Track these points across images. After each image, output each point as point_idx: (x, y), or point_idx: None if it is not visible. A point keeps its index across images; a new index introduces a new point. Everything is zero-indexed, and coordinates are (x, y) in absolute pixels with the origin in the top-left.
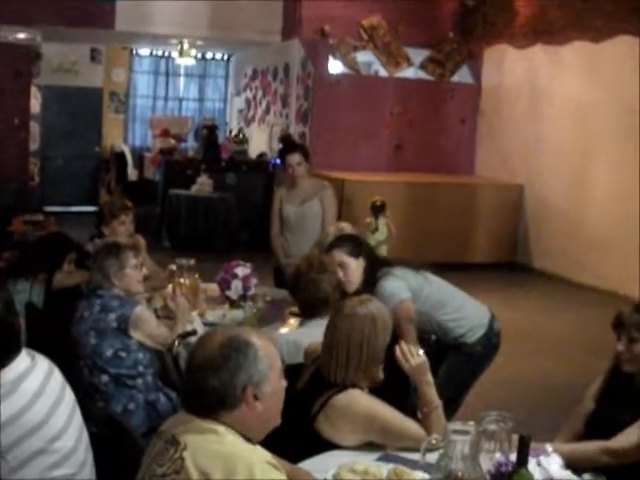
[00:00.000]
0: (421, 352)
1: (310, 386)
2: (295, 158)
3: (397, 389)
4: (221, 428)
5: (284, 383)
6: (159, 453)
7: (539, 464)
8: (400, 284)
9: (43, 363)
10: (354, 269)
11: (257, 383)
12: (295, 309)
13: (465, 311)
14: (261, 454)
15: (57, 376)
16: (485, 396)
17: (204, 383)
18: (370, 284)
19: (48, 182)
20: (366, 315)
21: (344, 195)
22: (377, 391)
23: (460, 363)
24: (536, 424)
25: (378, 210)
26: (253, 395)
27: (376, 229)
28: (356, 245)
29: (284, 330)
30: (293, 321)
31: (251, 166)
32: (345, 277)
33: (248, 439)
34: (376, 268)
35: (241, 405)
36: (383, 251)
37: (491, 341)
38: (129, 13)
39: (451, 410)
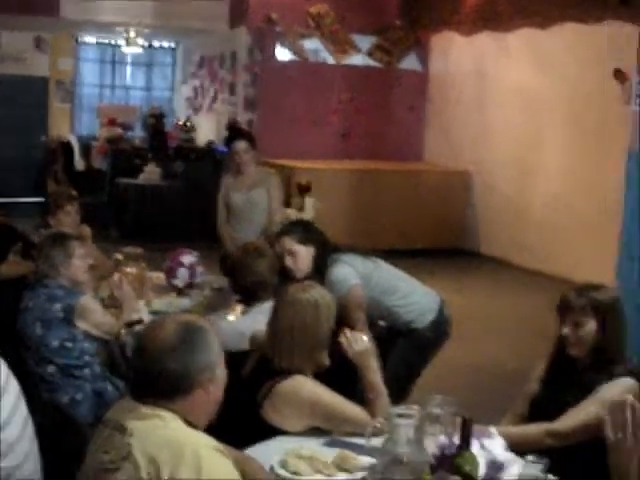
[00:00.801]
0: (365, 338)
1: (255, 373)
2: (241, 145)
3: (344, 375)
4: (167, 414)
5: (226, 371)
6: (105, 440)
7: (482, 447)
8: (349, 270)
9: None
10: (303, 256)
11: (213, 366)
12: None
13: (415, 297)
14: (207, 439)
15: (1, 366)
16: (433, 381)
17: (162, 368)
18: (320, 271)
19: None
20: (308, 301)
21: (292, 183)
22: (324, 377)
23: (410, 349)
24: (484, 407)
25: (304, 190)
26: (210, 378)
27: (302, 208)
28: (305, 232)
29: (230, 317)
30: (239, 308)
31: (199, 154)
32: (294, 264)
33: (193, 426)
34: (326, 255)
35: (196, 389)
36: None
37: (441, 327)
38: (74, 1)
39: (401, 396)
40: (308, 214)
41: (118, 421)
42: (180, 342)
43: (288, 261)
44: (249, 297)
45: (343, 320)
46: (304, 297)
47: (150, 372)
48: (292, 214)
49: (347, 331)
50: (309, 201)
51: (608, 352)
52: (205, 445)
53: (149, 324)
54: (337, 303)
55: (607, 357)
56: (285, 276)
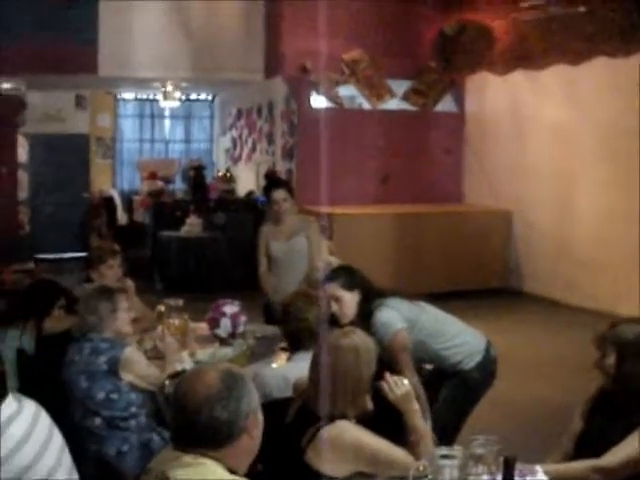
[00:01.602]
0: (405, 381)
1: (298, 419)
2: (280, 194)
3: (388, 419)
4: (209, 462)
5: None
6: None
7: None
8: (394, 314)
9: (30, 407)
10: (349, 302)
11: (255, 411)
12: (284, 344)
13: (462, 338)
14: None
15: (44, 419)
16: (479, 421)
17: (209, 416)
18: (365, 316)
19: (39, 230)
20: (349, 346)
21: (332, 229)
22: (368, 422)
23: (457, 390)
24: (530, 447)
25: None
26: (253, 423)
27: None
28: (350, 277)
29: (274, 365)
30: (284, 356)
31: (239, 205)
32: (340, 310)
33: (234, 472)
34: (370, 300)
35: (243, 435)
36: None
37: (487, 368)
38: (111, 57)
39: (449, 437)
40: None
41: (161, 470)
42: (226, 390)
43: (333, 307)
44: (295, 343)
45: (388, 363)
46: (344, 342)
47: (196, 422)
48: (334, 261)
49: (387, 375)
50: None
51: (634, 385)
52: None
53: (188, 374)
54: (380, 347)
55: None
56: (331, 322)
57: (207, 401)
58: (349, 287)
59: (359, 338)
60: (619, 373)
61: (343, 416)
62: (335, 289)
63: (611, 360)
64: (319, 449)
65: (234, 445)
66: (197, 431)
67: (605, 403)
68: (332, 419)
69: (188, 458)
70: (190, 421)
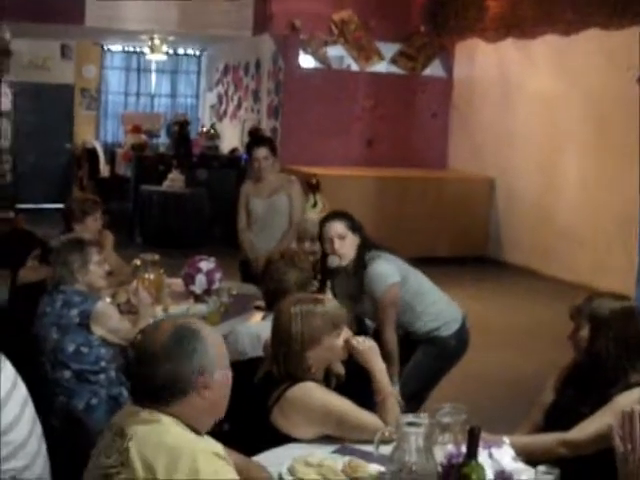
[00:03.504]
0: (369, 340)
1: (266, 380)
2: (261, 152)
3: (360, 385)
4: (167, 419)
5: (230, 376)
6: (107, 445)
7: (491, 456)
8: (391, 267)
9: None
10: (351, 243)
11: (208, 371)
12: (260, 303)
13: (441, 305)
14: (207, 444)
15: (8, 371)
16: (449, 388)
17: (156, 371)
18: (359, 264)
19: (20, 179)
20: (294, 312)
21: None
22: (340, 387)
23: (431, 357)
24: (501, 416)
25: (315, 187)
26: (204, 383)
27: (315, 204)
28: (354, 221)
29: (248, 323)
30: (258, 315)
31: (223, 162)
32: (341, 248)
33: (195, 430)
34: (367, 249)
35: (191, 393)
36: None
37: (463, 337)
38: (99, 9)
39: (416, 404)
40: (318, 210)
41: (120, 426)
42: (174, 344)
43: (337, 244)
44: (271, 303)
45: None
46: (284, 306)
47: (145, 375)
48: (314, 218)
49: (348, 337)
50: (319, 197)
51: (610, 360)
52: (203, 450)
53: (147, 327)
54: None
55: (615, 366)
56: (325, 265)
57: (155, 355)
58: (352, 229)
59: (306, 305)
60: (591, 347)
61: (313, 379)
62: (341, 227)
63: (584, 333)
64: (284, 410)
65: (184, 402)
66: (148, 385)
67: (577, 376)
68: (299, 380)
69: (145, 414)
70: (142, 375)
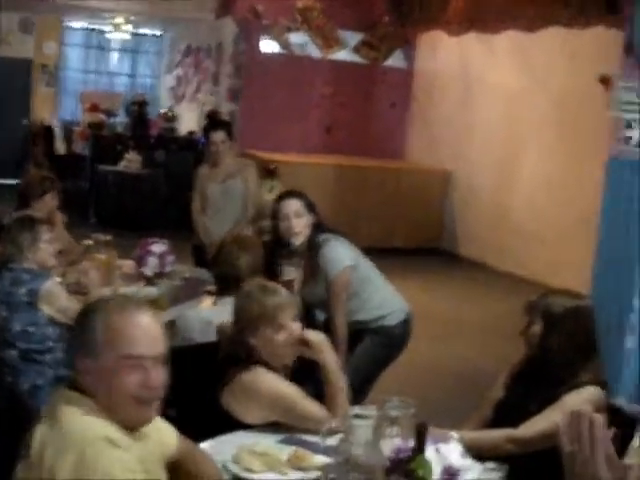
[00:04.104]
0: (319, 334)
1: (224, 364)
2: (218, 135)
3: (310, 374)
4: (80, 399)
5: (137, 374)
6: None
7: (438, 451)
8: (345, 251)
9: None
10: (306, 222)
11: (86, 354)
12: (211, 288)
13: (385, 294)
14: (100, 429)
15: None
16: (397, 379)
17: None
18: (312, 245)
19: None
20: (243, 292)
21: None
22: (289, 374)
23: (376, 346)
24: (450, 410)
25: (273, 173)
26: (85, 366)
27: (272, 188)
28: (309, 201)
29: (198, 308)
30: (208, 300)
31: (180, 144)
32: (297, 227)
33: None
34: (321, 230)
35: (78, 373)
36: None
37: (406, 329)
38: None
39: (359, 395)
40: (275, 195)
41: (52, 403)
42: (75, 323)
43: (293, 222)
44: (222, 287)
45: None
46: (246, 289)
47: None
48: (269, 200)
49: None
50: (276, 183)
51: (560, 358)
52: (93, 437)
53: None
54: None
55: (565, 364)
56: (279, 243)
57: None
58: (309, 208)
59: (255, 290)
60: (543, 343)
61: (266, 364)
62: (298, 205)
63: (537, 329)
64: (234, 392)
65: (81, 381)
66: None
67: (527, 373)
68: (251, 365)
69: (64, 391)
70: None
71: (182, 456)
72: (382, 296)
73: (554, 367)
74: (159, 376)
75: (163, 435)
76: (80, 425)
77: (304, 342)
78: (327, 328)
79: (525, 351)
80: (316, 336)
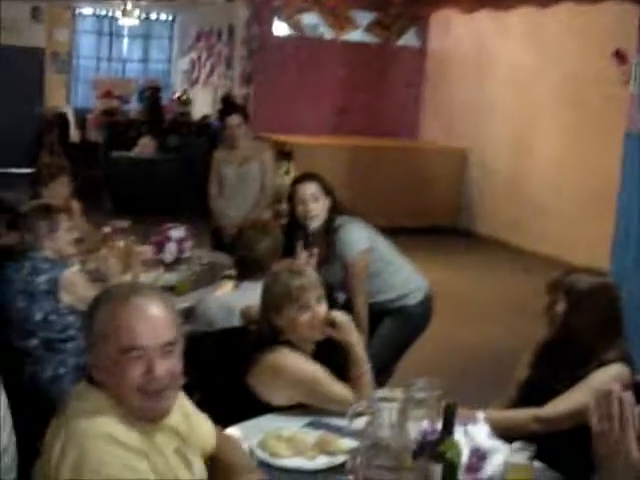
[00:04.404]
0: (344, 314)
1: (251, 347)
2: (234, 119)
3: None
4: (91, 393)
5: (139, 366)
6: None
7: (466, 433)
8: (362, 234)
9: None
10: (324, 205)
11: (93, 347)
12: (230, 272)
13: (405, 273)
14: (100, 427)
15: None
16: (421, 361)
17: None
18: (330, 228)
19: None
20: (271, 273)
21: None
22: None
23: (397, 327)
24: (472, 390)
25: (288, 155)
26: (91, 359)
27: (287, 171)
28: (326, 184)
29: (218, 293)
30: (228, 284)
31: (194, 128)
32: (314, 211)
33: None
34: (338, 213)
35: (90, 366)
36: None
37: (427, 307)
38: None
39: (383, 378)
40: (290, 178)
41: (62, 402)
42: (88, 308)
43: (311, 206)
44: (242, 272)
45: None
46: (274, 270)
47: None
48: (285, 184)
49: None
50: (292, 165)
51: (586, 336)
52: (94, 435)
53: None
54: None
55: (591, 342)
56: (296, 226)
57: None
58: (325, 191)
59: (281, 271)
60: (566, 322)
61: (291, 344)
62: (315, 188)
63: (560, 308)
64: (260, 374)
65: (95, 376)
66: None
67: (552, 352)
68: (275, 345)
69: (80, 387)
70: None
71: (217, 448)
72: (402, 276)
73: (579, 345)
74: (164, 366)
75: (204, 432)
76: (84, 422)
77: (330, 323)
78: (348, 310)
79: (549, 330)
80: (342, 317)
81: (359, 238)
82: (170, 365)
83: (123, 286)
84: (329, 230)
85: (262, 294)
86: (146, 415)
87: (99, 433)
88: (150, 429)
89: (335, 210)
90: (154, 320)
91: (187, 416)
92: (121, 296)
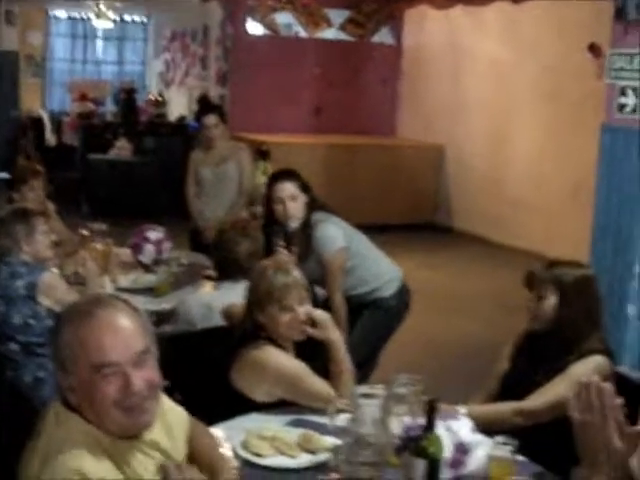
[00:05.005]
0: (324, 312)
1: (235, 342)
2: (211, 119)
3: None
4: (67, 417)
5: (115, 382)
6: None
7: (448, 428)
8: (339, 231)
9: None
10: (301, 203)
11: (62, 370)
12: (209, 272)
13: (382, 265)
14: (75, 461)
15: None
16: (402, 357)
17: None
18: (306, 224)
19: None
20: (256, 269)
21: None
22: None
23: (376, 318)
24: (453, 385)
25: (265, 154)
26: (64, 382)
27: (265, 171)
28: (302, 180)
29: (199, 293)
30: (208, 285)
31: (170, 129)
32: (293, 210)
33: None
34: (314, 209)
35: (62, 389)
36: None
37: (404, 297)
38: None
39: (367, 371)
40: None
41: (38, 424)
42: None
43: (289, 205)
44: (223, 273)
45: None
46: (260, 266)
47: None
48: (263, 184)
49: (302, 309)
50: (268, 164)
51: (571, 329)
52: (67, 469)
53: None
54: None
55: (574, 334)
56: (273, 222)
57: None
58: (302, 189)
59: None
60: (559, 316)
61: (273, 341)
62: (293, 187)
63: (551, 302)
64: (242, 371)
65: (70, 393)
66: None
67: (533, 344)
68: (257, 340)
69: (60, 408)
70: None
71: (194, 442)
72: (377, 269)
73: (563, 337)
74: (140, 377)
75: (178, 418)
76: (57, 453)
77: (310, 321)
78: (327, 306)
79: (533, 324)
80: (322, 315)
81: (336, 236)
82: (147, 375)
83: (85, 301)
84: (306, 227)
85: (248, 289)
86: (128, 431)
87: (71, 469)
88: (128, 451)
89: (311, 206)
90: (122, 332)
91: (168, 427)
92: (84, 312)
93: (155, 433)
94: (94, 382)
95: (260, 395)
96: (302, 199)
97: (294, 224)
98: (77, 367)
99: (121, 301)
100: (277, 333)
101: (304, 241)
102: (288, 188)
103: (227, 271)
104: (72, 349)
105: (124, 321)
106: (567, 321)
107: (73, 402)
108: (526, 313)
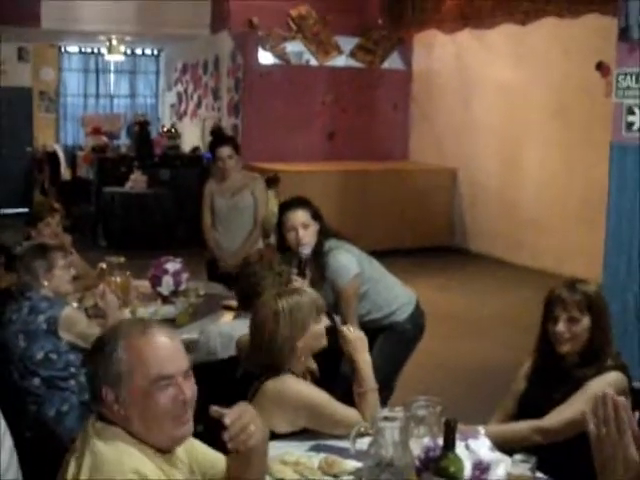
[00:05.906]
0: (356, 329)
1: (245, 376)
2: (225, 151)
3: (333, 380)
4: (110, 430)
5: (170, 393)
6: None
7: (468, 447)
8: (352, 259)
9: None
10: (314, 231)
11: (112, 384)
12: (228, 302)
13: (395, 290)
14: (129, 463)
15: None
16: (422, 380)
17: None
18: (319, 251)
19: None
20: (281, 305)
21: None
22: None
23: (392, 342)
24: (473, 405)
25: (273, 182)
26: (113, 397)
27: (276, 196)
28: (314, 208)
29: (219, 323)
30: (228, 314)
31: (184, 161)
32: (305, 238)
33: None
34: (326, 236)
35: (101, 405)
36: (275, 220)
37: (419, 320)
38: (55, 10)
39: (385, 395)
40: (274, 206)
41: (84, 435)
42: (88, 355)
43: (301, 233)
44: (244, 303)
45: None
46: (267, 302)
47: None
48: (275, 211)
49: (341, 325)
50: (274, 193)
51: (597, 347)
52: (123, 470)
53: None
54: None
55: (594, 352)
56: (285, 250)
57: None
58: (314, 216)
59: (287, 302)
60: (592, 337)
61: (291, 372)
62: (305, 215)
63: (584, 323)
64: (261, 401)
65: (104, 413)
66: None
67: (553, 364)
68: (277, 374)
69: (98, 423)
70: None
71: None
72: (390, 293)
73: (589, 356)
74: (190, 389)
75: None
76: (112, 456)
77: (343, 337)
78: None
79: (565, 347)
80: (357, 333)
81: (349, 263)
82: (193, 387)
83: (132, 322)
84: (318, 254)
85: (276, 329)
86: (174, 442)
87: (129, 469)
88: (166, 463)
89: (323, 233)
90: (174, 348)
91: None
92: (137, 331)
93: (179, 449)
94: (151, 393)
95: (281, 426)
96: (314, 227)
97: (306, 251)
98: (133, 380)
99: (162, 324)
100: (301, 359)
101: (317, 268)
102: (300, 216)
103: (250, 303)
104: (129, 363)
105: (171, 340)
106: (596, 340)
107: (115, 416)
108: (539, 334)
